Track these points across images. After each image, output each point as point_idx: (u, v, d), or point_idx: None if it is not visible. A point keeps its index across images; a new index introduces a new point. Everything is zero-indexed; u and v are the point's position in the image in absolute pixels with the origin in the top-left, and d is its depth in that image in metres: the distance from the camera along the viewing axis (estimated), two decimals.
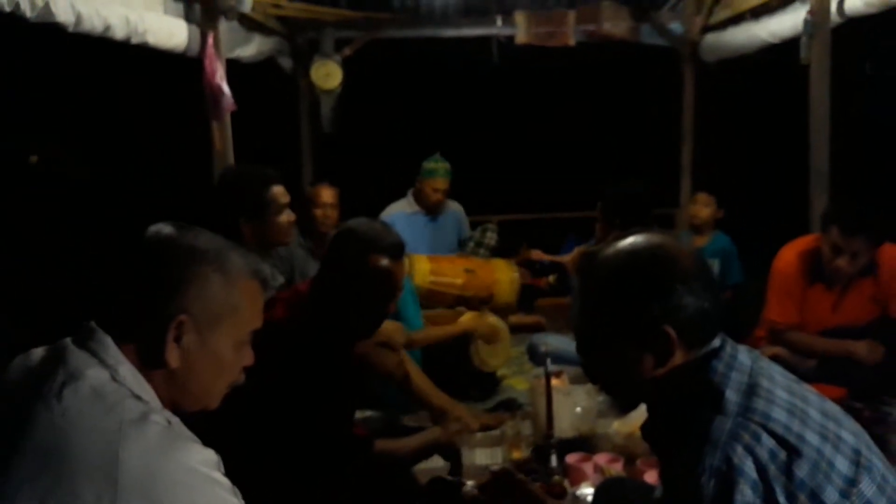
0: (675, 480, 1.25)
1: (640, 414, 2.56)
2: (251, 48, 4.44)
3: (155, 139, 6.16)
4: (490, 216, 5.38)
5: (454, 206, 4.72)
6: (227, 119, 3.60)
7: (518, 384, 3.56)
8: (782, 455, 1.14)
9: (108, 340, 1.18)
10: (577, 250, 3.93)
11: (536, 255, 4.42)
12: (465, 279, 3.99)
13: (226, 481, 1.15)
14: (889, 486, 1.20)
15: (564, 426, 2.65)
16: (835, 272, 3.00)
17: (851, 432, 1.24)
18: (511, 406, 3.22)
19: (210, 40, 3.45)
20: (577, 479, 2.37)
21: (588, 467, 2.40)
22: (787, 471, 1.13)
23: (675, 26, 5.62)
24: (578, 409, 2.72)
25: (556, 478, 2.42)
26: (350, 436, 2.11)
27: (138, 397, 1.15)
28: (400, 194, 4.62)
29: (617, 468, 2.40)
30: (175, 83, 4.18)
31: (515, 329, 3.83)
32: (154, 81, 5.29)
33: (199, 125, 3.62)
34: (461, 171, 4.61)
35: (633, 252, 1.32)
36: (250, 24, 4.38)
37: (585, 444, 2.65)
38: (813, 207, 3.73)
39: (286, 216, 2.61)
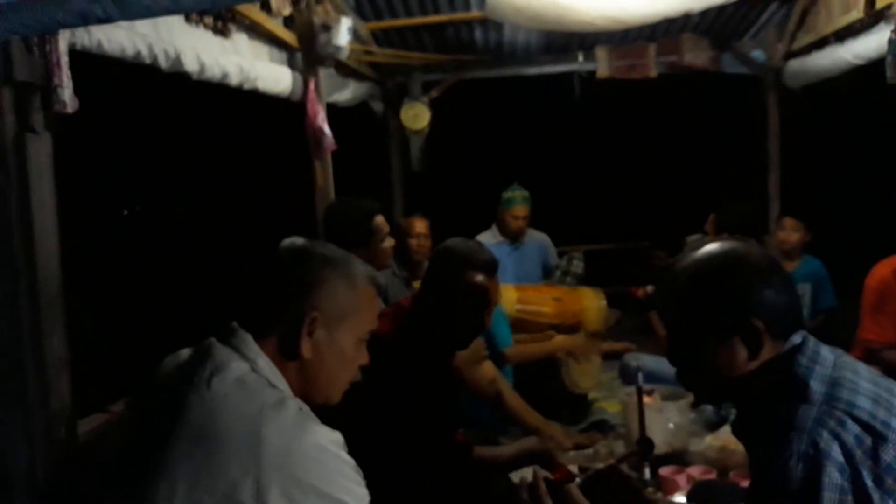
0: (763, 468, 1.30)
1: (730, 430, 2.59)
2: (346, 93, 4.72)
3: (264, 178, 6.52)
4: (576, 246, 5.46)
5: (539, 236, 4.84)
6: (328, 158, 3.86)
7: (610, 407, 3.59)
8: (868, 440, 1.19)
9: (248, 337, 1.36)
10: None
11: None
12: (552, 307, 4.06)
13: (351, 460, 1.30)
14: None
15: (657, 442, 2.68)
16: None
17: None
18: (603, 427, 3.25)
19: (311, 85, 3.71)
20: (671, 491, 2.42)
21: (681, 479, 2.44)
22: (874, 455, 1.17)
23: (757, 54, 5.63)
24: (671, 426, 2.76)
25: (650, 489, 2.47)
26: (450, 441, 2.24)
27: (274, 386, 1.32)
28: (487, 226, 4.77)
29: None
30: (281, 126, 4.47)
31: (606, 356, 3.86)
32: (263, 125, 5.64)
33: (303, 164, 3.88)
34: (547, 202, 4.75)
35: (711, 254, 1.41)
36: (345, 70, 4.67)
37: (679, 459, 2.68)
38: None
39: (388, 242, 2.86)
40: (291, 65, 3.76)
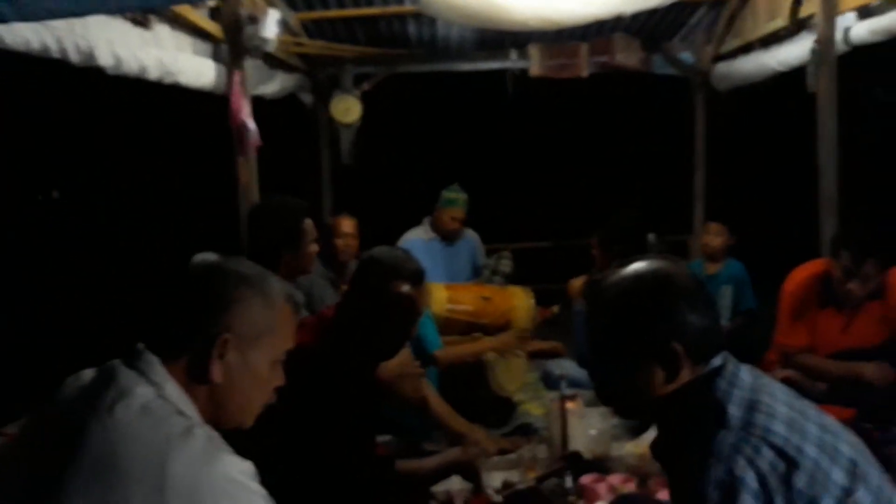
0: (682, 493, 1.32)
1: (652, 435, 2.63)
2: (274, 85, 4.60)
3: (182, 173, 6.36)
4: (505, 244, 5.47)
5: (470, 234, 4.82)
6: (253, 154, 3.75)
7: (534, 410, 3.60)
8: (782, 466, 1.21)
9: (156, 361, 1.29)
10: (577, 279, 4.01)
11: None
12: (481, 306, 4.05)
13: (262, 490, 1.25)
14: (885, 496, 1.26)
15: (579, 448, 2.71)
16: (845, 296, 3.06)
17: (849, 444, 1.31)
18: (527, 431, 3.26)
19: (236, 79, 3.60)
20: (592, 500, 2.43)
21: (602, 488, 2.45)
22: (787, 481, 1.19)
23: (686, 56, 5.75)
24: (593, 432, 2.78)
25: (571, 498, 2.48)
26: (372, 455, 2.20)
27: (182, 413, 1.26)
28: (417, 222, 4.72)
29: (630, 488, 2.45)
30: (203, 120, 4.34)
31: (532, 355, 3.88)
32: (184, 119, 5.48)
33: (225, 159, 3.76)
34: (476, 199, 4.71)
35: (636, 274, 1.41)
36: (273, 61, 4.54)
37: (600, 465, 2.70)
38: (822, 232, 3.79)
39: (314, 247, 2.78)
40: (216, 57, 3.64)
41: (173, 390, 1.27)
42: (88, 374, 1.33)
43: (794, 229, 4.83)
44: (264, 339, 1.35)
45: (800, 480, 1.20)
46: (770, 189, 6.90)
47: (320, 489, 2.01)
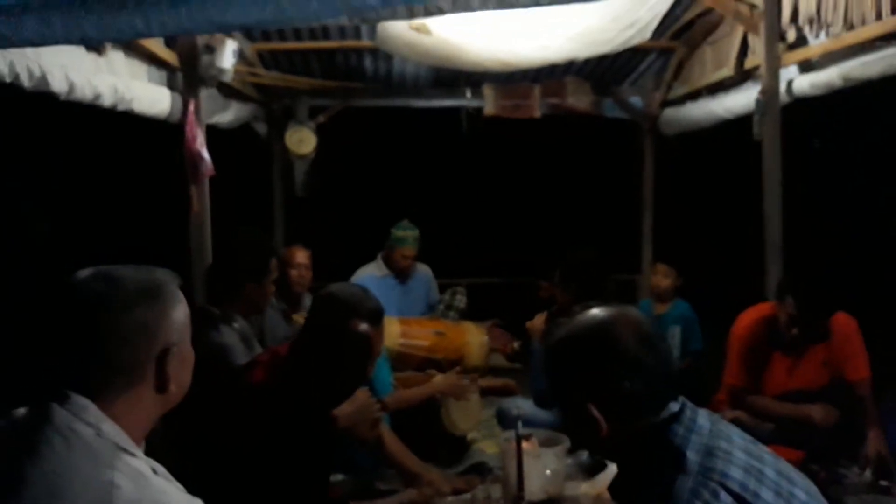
0: None
1: (608, 476, 2.64)
2: (228, 114, 4.56)
3: (135, 202, 6.22)
4: (459, 280, 5.48)
5: (423, 270, 4.81)
6: (206, 183, 3.69)
7: (488, 448, 3.59)
8: None
9: (86, 402, 1.21)
10: (538, 317, 4.03)
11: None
12: (434, 342, 4.05)
13: None
14: None
15: (534, 488, 2.69)
16: (791, 340, 3.15)
17: (804, 490, 1.33)
18: (481, 470, 3.24)
19: (191, 107, 3.56)
20: None
21: None
22: None
23: (636, 101, 5.90)
24: (548, 472, 2.77)
25: None
26: (326, 497, 2.15)
27: (124, 449, 1.20)
28: (370, 256, 4.69)
29: None
30: (158, 148, 4.26)
31: (485, 392, 3.87)
32: (138, 147, 5.38)
33: (179, 187, 3.70)
34: (430, 235, 4.72)
35: (586, 326, 1.45)
36: (228, 91, 4.50)
37: None
38: (769, 275, 3.90)
39: (273, 286, 2.77)
40: (171, 85, 3.59)
41: (111, 429, 1.22)
42: (21, 413, 1.26)
43: (739, 272, 4.94)
44: (186, 331, 1.34)
45: None
46: (718, 232, 7.08)
47: None
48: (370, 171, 7.84)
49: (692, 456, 1.30)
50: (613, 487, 1.48)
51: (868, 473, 3.00)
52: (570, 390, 1.44)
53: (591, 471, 2.99)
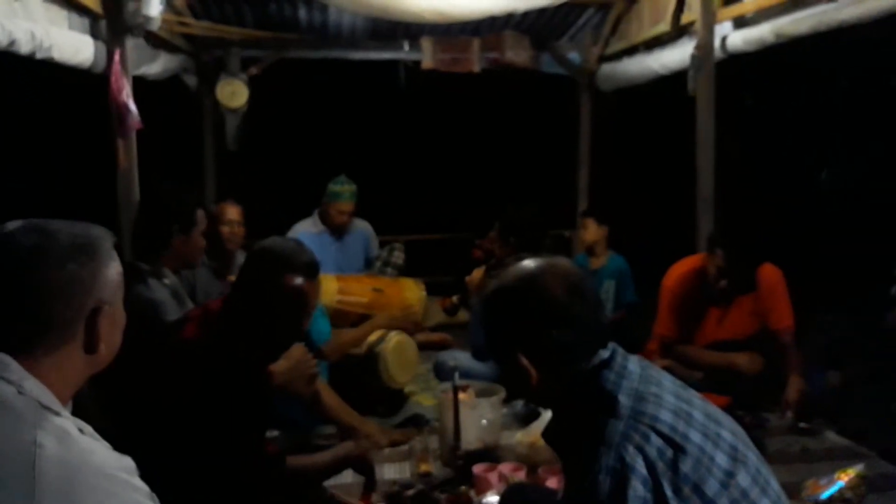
0: (574, 481, 1.36)
1: (541, 425, 2.69)
2: (156, 66, 4.38)
3: (59, 154, 5.98)
4: (397, 236, 5.45)
5: (362, 226, 4.76)
6: (133, 137, 3.56)
7: (425, 400, 3.62)
8: (669, 453, 1.26)
9: (8, 359, 1.17)
10: (476, 271, 4.06)
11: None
12: (373, 298, 4.03)
13: (144, 486, 1.17)
14: (762, 477, 1.35)
15: (471, 438, 2.74)
16: (720, 291, 3.24)
17: (730, 431, 1.38)
18: (418, 422, 3.28)
19: (116, 57, 3.40)
20: (483, 489, 2.46)
21: (493, 476, 2.49)
22: (674, 466, 1.25)
23: (574, 56, 5.90)
24: (484, 422, 2.82)
25: (463, 488, 2.50)
26: (262, 453, 2.13)
27: (47, 407, 1.16)
28: (306, 213, 4.61)
29: (520, 476, 2.50)
30: (82, 99, 4.09)
31: (422, 347, 3.89)
32: (61, 98, 5.15)
33: (105, 141, 3.56)
34: (368, 191, 4.66)
35: (518, 276, 1.47)
36: (156, 41, 4.32)
37: (491, 454, 2.74)
38: (699, 229, 3.99)
39: (202, 242, 2.71)
40: (94, 33, 3.42)
41: (34, 386, 1.17)
42: None
43: (673, 226, 5.04)
44: (119, 291, 1.30)
45: (686, 465, 1.26)
46: (652, 187, 7.20)
47: (208, 487, 1.93)
48: (305, 126, 7.68)
49: (623, 400, 1.33)
50: (547, 433, 1.51)
51: (789, 416, 3.15)
52: (502, 340, 1.47)
53: (526, 420, 3.06)
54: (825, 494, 2.33)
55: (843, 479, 2.36)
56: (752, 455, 1.37)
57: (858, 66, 6.27)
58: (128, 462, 1.17)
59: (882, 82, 6.38)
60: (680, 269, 3.43)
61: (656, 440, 1.27)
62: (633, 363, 1.42)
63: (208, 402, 1.93)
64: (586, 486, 1.26)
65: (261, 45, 5.50)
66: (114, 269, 1.28)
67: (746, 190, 5.82)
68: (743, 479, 1.30)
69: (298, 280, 2.02)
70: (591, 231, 4.54)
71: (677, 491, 1.24)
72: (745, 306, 3.31)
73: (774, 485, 1.37)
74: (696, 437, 1.30)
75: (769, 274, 3.31)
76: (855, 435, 3.13)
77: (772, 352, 3.27)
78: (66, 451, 1.10)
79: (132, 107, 3.47)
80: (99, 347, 1.24)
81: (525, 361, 1.41)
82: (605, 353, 1.41)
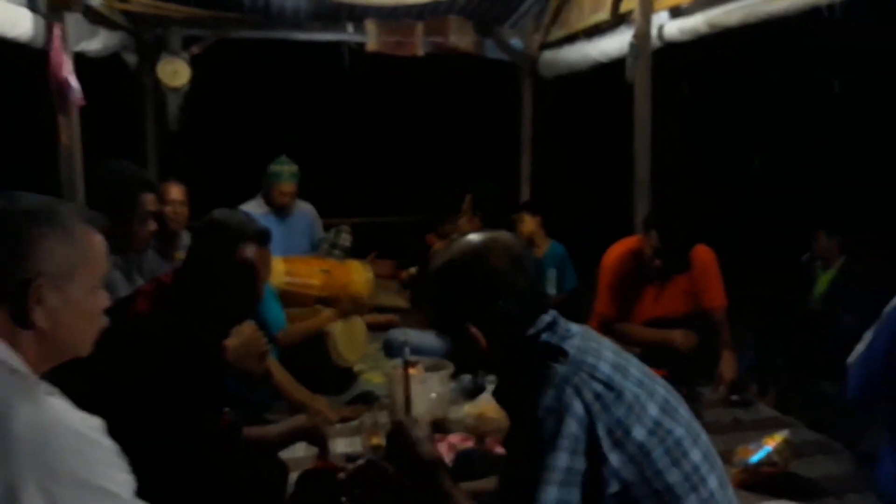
0: (518, 424, 1.48)
1: (488, 397, 2.78)
2: (96, 42, 4.29)
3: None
4: (342, 219, 5.45)
5: (305, 208, 4.77)
6: (75, 114, 3.50)
7: (374, 378, 3.68)
8: (605, 397, 1.37)
9: None
10: (439, 243, 4.13)
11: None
12: (321, 279, 4.04)
13: (112, 445, 1.20)
14: (694, 431, 1.47)
15: (420, 412, 2.79)
16: (655, 270, 3.38)
17: (663, 387, 1.51)
18: (368, 399, 3.34)
19: (56, 32, 3.34)
20: None
21: (443, 447, 2.57)
22: (609, 409, 1.36)
23: (516, 42, 5.98)
24: (433, 396, 2.90)
25: None
26: (217, 423, 2.16)
27: (15, 371, 1.18)
28: (249, 194, 4.60)
29: (469, 446, 2.59)
30: (20, 75, 3.98)
31: (371, 328, 3.94)
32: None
33: (45, 119, 3.49)
34: (313, 173, 4.67)
35: (451, 261, 1.56)
36: (95, 17, 4.23)
37: (440, 428, 2.82)
38: (636, 212, 4.13)
39: (150, 225, 2.64)
40: (32, 7, 3.34)
41: (1, 349, 1.19)
42: None
43: (611, 210, 5.19)
44: (78, 272, 1.27)
45: (619, 410, 1.37)
46: (591, 173, 7.36)
47: (163, 460, 1.94)
48: (249, 106, 7.60)
49: (568, 349, 1.44)
50: (497, 392, 1.62)
51: (722, 390, 3.31)
52: (451, 312, 1.55)
53: (473, 394, 3.15)
54: (754, 458, 2.48)
55: (771, 444, 2.51)
56: (683, 409, 1.49)
57: (789, 59, 6.53)
58: (97, 422, 1.19)
59: (810, 75, 6.67)
60: (618, 250, 3.56)
61: (595, 385, 1.38)
62: (575, 326, 1.54)
63: (160, 376, 1.94)
64: (528, 425, 1.37)
65: (203, 24, 5.42)
66: (70, 246, 1.25)
67: (681, 175, 6.02)
68: (674, 428, 1.41)
69: (250, 248, 2.04)
70: (527, 223, 4.65)
71: (610, 433, 1.34)
72: (680, 285, 3.45)
73: (704, 437, 1.49)
74: (631, 387, 1.41)
75: (702, 255, 3.46)
76: (779, 406, 3.34)
77: (705, 329, 3.43)
78: (38, 411, 1.12)
79: (74, 83, 3.41)
80: (34, 322, 1.21)
81: (474, 331, 1.50)
82: (547, 318, 1.51)
